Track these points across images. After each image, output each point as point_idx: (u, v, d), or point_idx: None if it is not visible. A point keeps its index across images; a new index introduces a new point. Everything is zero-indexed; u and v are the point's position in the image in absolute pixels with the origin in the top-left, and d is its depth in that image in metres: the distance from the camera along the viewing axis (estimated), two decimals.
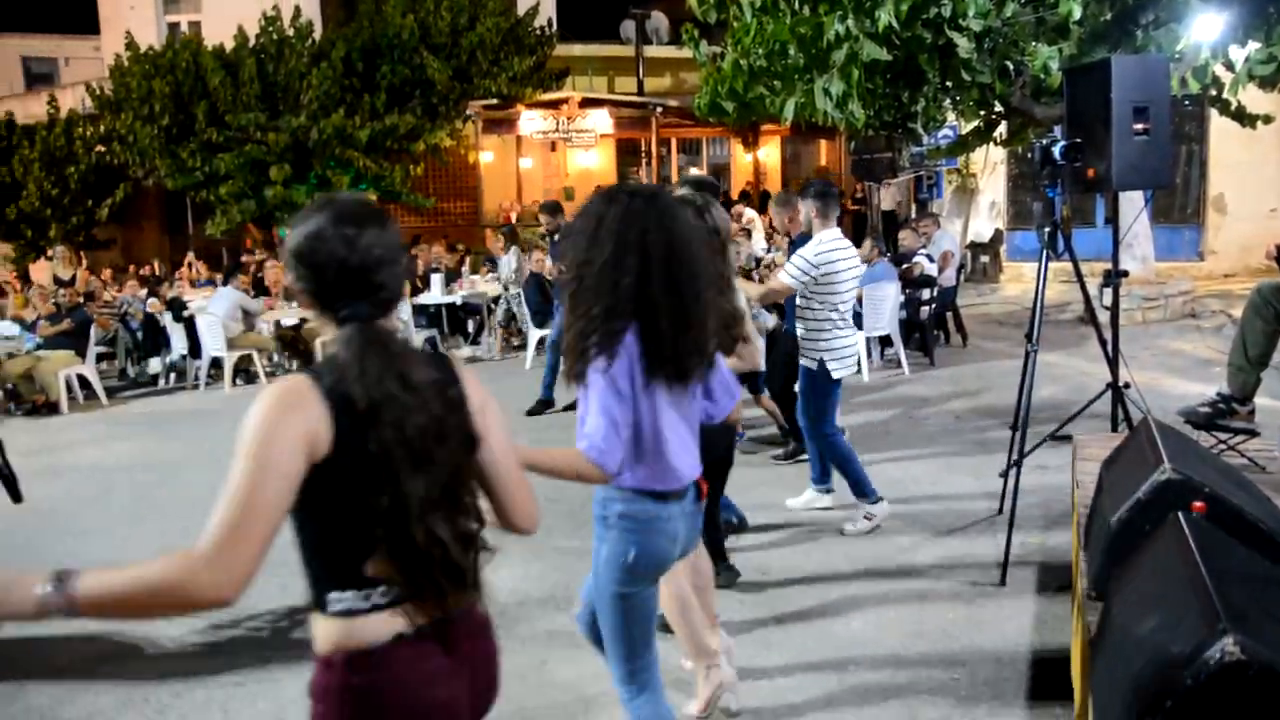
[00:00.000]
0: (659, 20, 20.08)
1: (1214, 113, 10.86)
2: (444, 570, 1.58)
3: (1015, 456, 4.56)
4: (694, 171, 20.36)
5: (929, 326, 9.71)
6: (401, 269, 1.69)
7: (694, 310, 2.28)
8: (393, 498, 1.53)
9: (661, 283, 2.24)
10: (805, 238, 5.19)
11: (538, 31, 17.95)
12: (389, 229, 1.66)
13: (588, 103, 17.40)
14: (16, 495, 4.18)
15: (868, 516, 4.95)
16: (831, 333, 4.94)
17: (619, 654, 2.47)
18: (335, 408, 1.51)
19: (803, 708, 3.30)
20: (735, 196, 18.87)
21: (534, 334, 10.21)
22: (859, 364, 5.14)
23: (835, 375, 4.94)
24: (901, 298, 9.21)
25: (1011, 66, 8.84)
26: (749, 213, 14.43)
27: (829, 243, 4.92)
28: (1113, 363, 4.96)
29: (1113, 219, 5.54)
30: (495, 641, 1.80)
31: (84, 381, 10.09)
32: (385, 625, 1.57)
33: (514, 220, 17.05)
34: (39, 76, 24.98)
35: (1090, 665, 2.38)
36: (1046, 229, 4.63)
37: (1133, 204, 9.26)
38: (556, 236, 7.93)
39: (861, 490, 4.97)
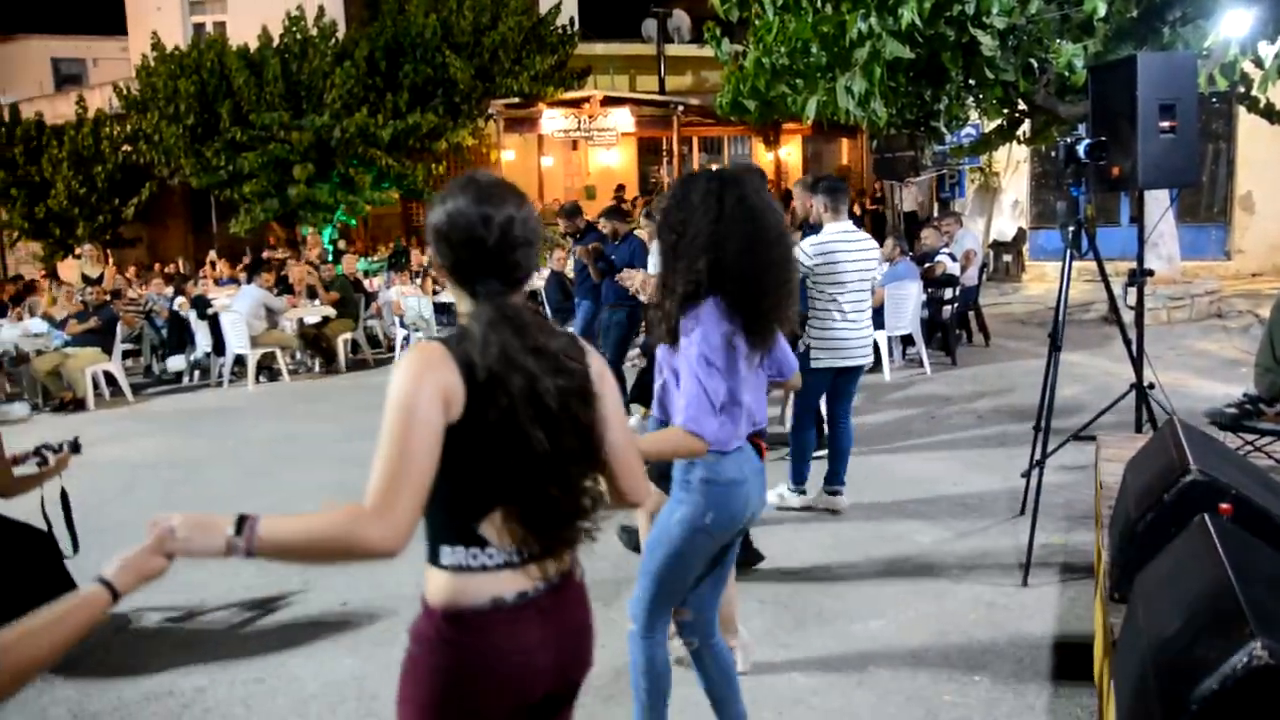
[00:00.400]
0: (681, 19, 20.05)
1: (1242, 110, 10.74)
2: (561, 528, 1.69)
3: (1038, 456, 4.52)
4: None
5: (951, 326, 9.65)
6: (536, 250, 1.76)
7: (779, 279, 2.44)
8: (519, 457, 1.62)
9: (751, 255, 2.39)
10: (814, 228, 5.35)
11: (559, 30, 17.99)
12: (527, 210, 1.73)
13: (609, 101, 17.41)
14: (75, 546, 4.30)
15: (780, 495, 5.20)
16: (828, 323, 5.01)
17: (650, 596, 2.59)
18: (466, 373, 1.61)
19: (821, 709, 3.29)
20: None
21: None
22: (877, 361, 5.15)
23: (817, 365, 5.01)
24: (924, 297, 9.17)
25: (1035, 64, 8.77)
26: None
27: (831, 235, 5.02)
28: (1137, 363, 4.91)
29: (1138, 218, 5.48)
30: (590, 612, 1.83)
31: (110, 378, 10.19)
32: (489, 587, 1.66)
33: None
34: (68, 77, 25.27)
35: (1114, 668, 2.35)
36: (1070, 228, 4.59)
37: (1158, 203, 9.18)
38: (576, 237, 8.06)
39: (798, 477, 5.24)
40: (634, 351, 8.47)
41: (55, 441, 4.20)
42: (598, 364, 1.80)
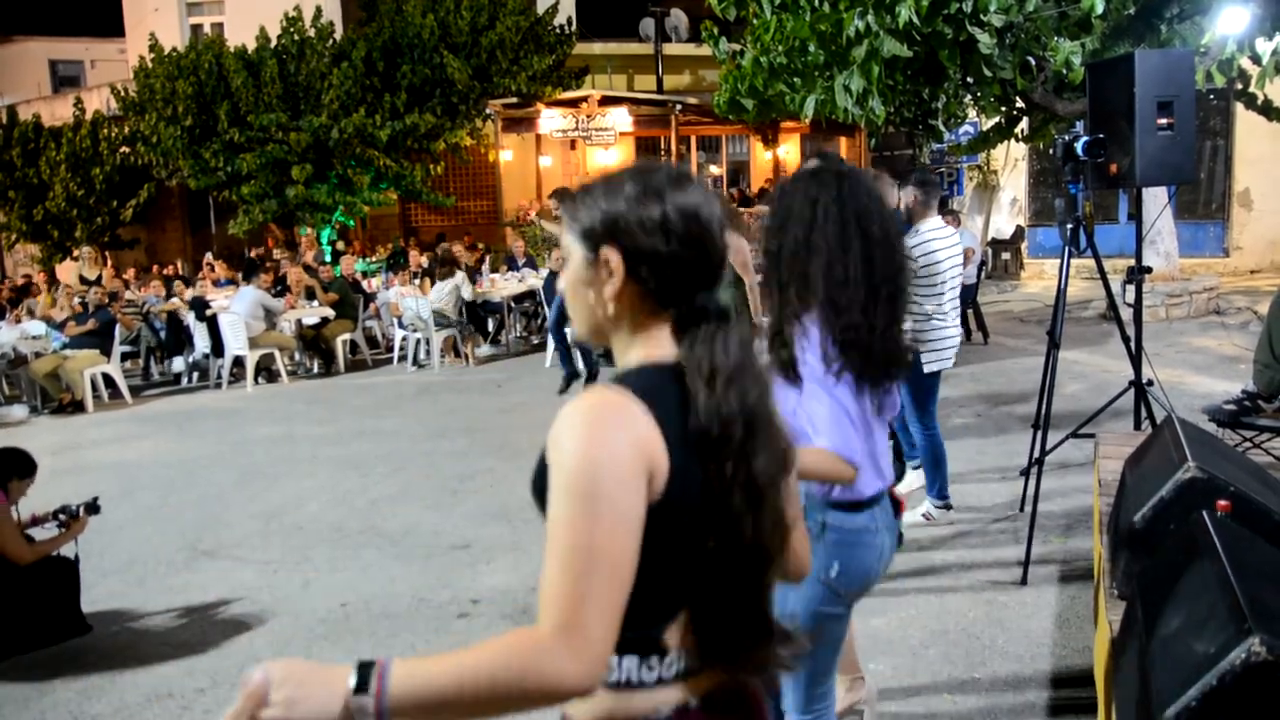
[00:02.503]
0: (678, 18, 20.05)
1: (1240, 107, 10.74)
2: (756, 628, 1.28)
3: (1037, 455, 4.53)
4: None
5: None
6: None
7: (901, 301, 2.12)
8: (722, 543, 1.21)
9: (877, 271, 2.06)
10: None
11: (557, 30, 17.99)
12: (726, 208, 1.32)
13: (607, 101, 17.39)
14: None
15: (927, 515, 4.92)
16: (935, 324, 4.79)
17: (801, 678, 2.21)
18: (670, 436, 1.17)
19: None
20: (754, 194, 18.84)
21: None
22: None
23: (929, 369, 4.79)
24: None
25: (1033, 62, 8.77)
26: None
27: (928, 233, 4.80)
28: (1136, 360, 4.92)
29: (1136, 215, 5.48)
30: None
31: (109, 380, 10.19)
32: (665, 698, 1.25)
33: (533, 217, 17.06)
34: (66, 79, 25.26)
35: (1113, 665, 2.36)
36: (1069, 225, 4.60)
37: (1156, 200, 9.18)
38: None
39: (942, 489, 4.94)
40: None
41: (75, 505, 4.24)
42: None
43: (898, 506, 2.35)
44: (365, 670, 1.08)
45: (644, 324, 1.27)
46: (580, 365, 8.56)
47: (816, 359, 2.05)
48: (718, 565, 1.21)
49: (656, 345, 1.27)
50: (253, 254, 14.99)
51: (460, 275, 10.98)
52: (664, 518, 1.16)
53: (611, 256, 1.25)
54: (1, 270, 21.46)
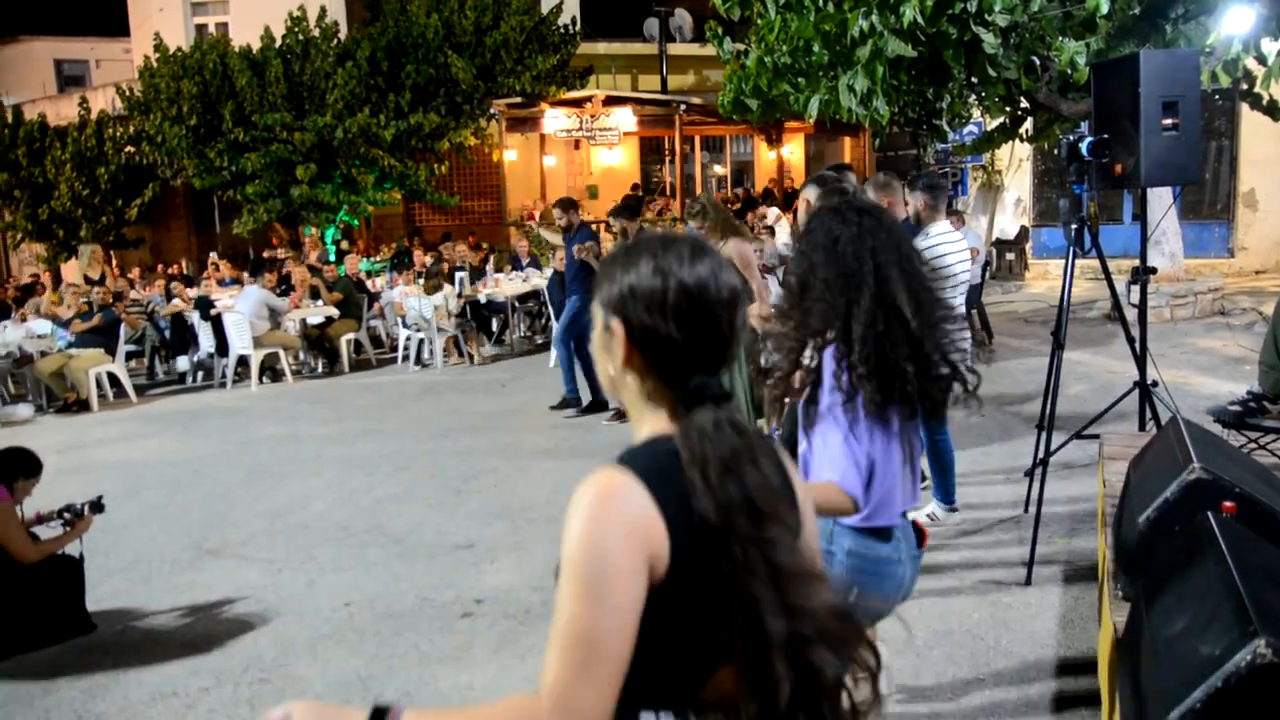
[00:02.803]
0: (683, 18, 20.05)
1: (1245, 107, 10.72)
2: (802, 689, 1.26)
3: (1041, 455, 4.52)
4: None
5: None
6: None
7: (929, 339, 2.12)
8: (744, 615, 1.23)
9: (898, 310, 2.09)
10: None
11: (561, 30, 18.00)
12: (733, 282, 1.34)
13: (611, 101, 17.41)
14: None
15: (932, 516, 4.88)
16: None
17: None
18: (673, 520, 1.21)
19: None
20: (759, 194, 18.83)
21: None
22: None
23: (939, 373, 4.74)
24: None
25: (1038, 61, 8.76)
26: (773, 211, 14.40)
27: (936, 236, 4.76)
28: (1140, 360, 4.91)
29: (1141, 215, 5.47)
30: None
31: (114, 379, 10.21)
32: None
33: (536, 218, 17.08)
34: (71, 79, 25.31)
35: (1118, 666, 2.35)
36: (1073, 225, 4.59)
37: (1161, 200, 9.16)
38: (570, 231, 8.09)
39: (949, 493, 4.90)
40: None
41: (80, 503, 4.26)
42: (795, 473, 1.44)
43: (921, 537, 2.36)
44: (380, 715, 1.18)
45: (653, 396, 1.32)
46: (582, 390, 8.29)
47: (829, 390, 2.09)
48: (750, 629, 1.22)
49: (664, 421, 1.31)
50: (265, 255, 15.01)
51: (447, 288, 10.93)
52: (672, 596, 1.20)
53: (616, 328, 1.31)
54: (7, 269, 21.51)
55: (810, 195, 4.20)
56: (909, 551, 2.27)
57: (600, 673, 1.16)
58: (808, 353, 2.15)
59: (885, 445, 2.14)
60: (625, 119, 17.47)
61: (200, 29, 19.47)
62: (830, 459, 2.08)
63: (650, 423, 1.32)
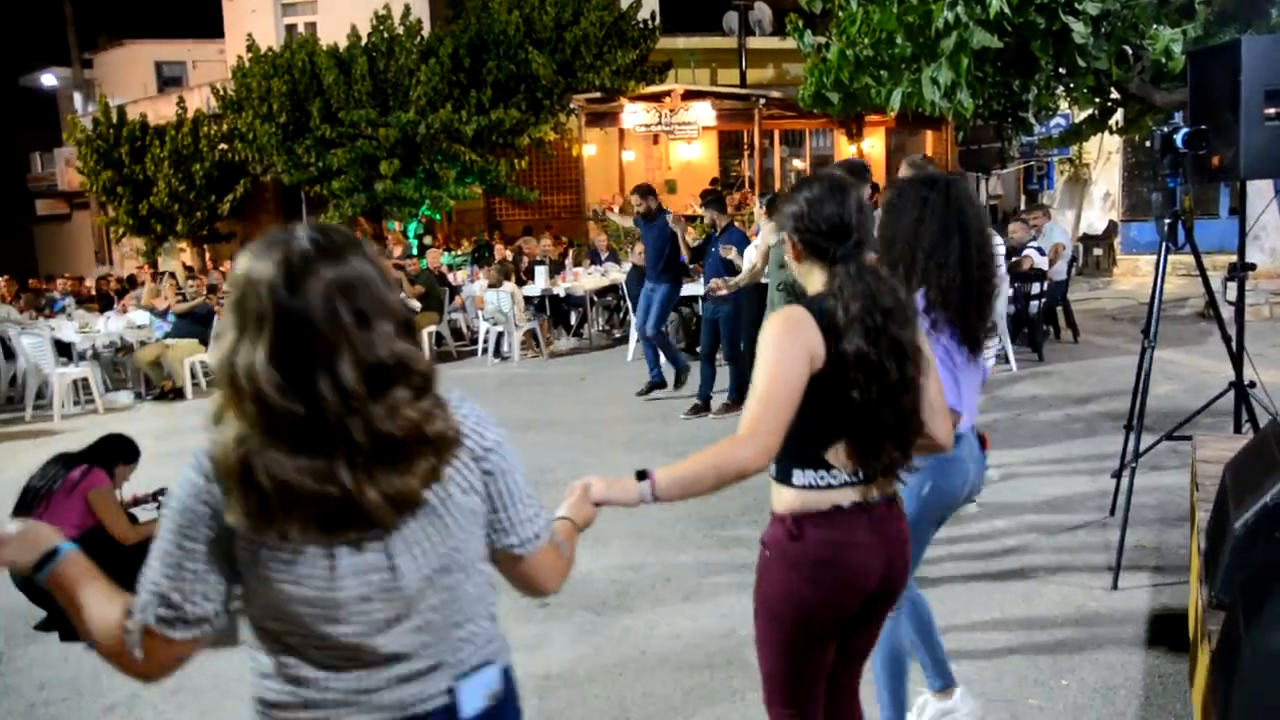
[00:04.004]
0: (762, 11, 19.91)
1: None
2: (892, 454, 2.02)
3: (1129, 457, 4.40)
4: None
5: (1038, 322, 9.42)
6: (871, 223, 2.12)
7: (985, 289, 2.61)
8: (865, 393, 1.94)
9: (972, 259, 2.56)
10: None
11: (641, 25, 18.03)
12: (860, 194, 2.11)
13: (690, 95, 17.39)
14: None
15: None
16: None
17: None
18: (827, 331, 1.95)
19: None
20: None
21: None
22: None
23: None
24: (1010, 292, 8.96)
25: (1130, 51, 8.49)
26: None
27: None
28: (1237, 360, 4.74)
29: (1239, 209, 5.27)
30: (907, 525, 2.17)
31: (207, 369, 10.59)
32: (830, 498, 2.03)
33: (615, 210, 17.15)
34: (170, 79, 26.24)
35: (1212, 679, 2.29)
36: (1166, 220, 4.45)
37: (1261, 194, 8.81)
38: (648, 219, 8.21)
39: None
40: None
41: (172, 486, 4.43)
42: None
43: (983, 443, 2.84)
44: (642, 474, 1.92)
45: (812, 267, 2.11)
46: (666, 372, 8.48)
47: (946, 341, 2.56)
48: (865, 409, 1.96)
49: (821, 281, 2.08)
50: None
51: (508, 285, 11.05)
52: (825, 381, 1.95)
53: (788, 237, 2.14)
54: (110, 262, 22.45)
55: None
56: (972, 453, 2.74)
57: (775, 411, 1.92)
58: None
59: (966, 367, 2.64)
60: (704, 113, 17.43)
61: (290, 29, 20.00)
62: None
63: (814, 285, 2.10)
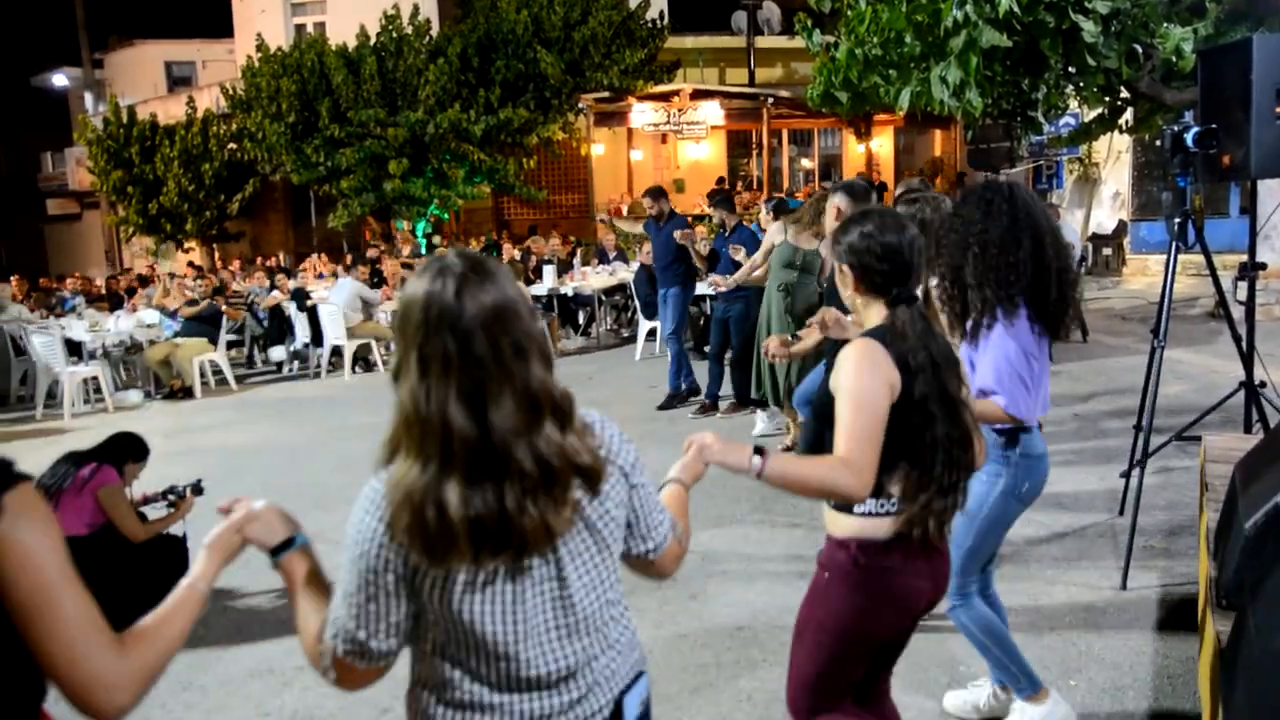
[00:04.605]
0: (770, 11, 19.90)
1: None
2: (948, 488, 2.12)
3: (1139, 456, 4.38)
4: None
5: None
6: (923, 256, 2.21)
7: (1066, 277, 2.75)
8: (928, 430, 2.07)
9: (1045, 256, 2.70)
10: None
11: (649, 24, 18.03)
12: (915, 232, 2.18)
13: (699, 94, 17.38)
14: None
15: None
16: None
17: (968, 568, 2.91)
18: (900, 365, 2.05)
19: (913, 708, 3.24)
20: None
21: (644, 325, 10.29)
22: None
23: None
24: None
25: (1140, 49, 8.45)
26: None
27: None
28: (1247, 360, 4.71)
29: (1250, 209, 5.24)
30: (948, 547, 2.27)
31: (216, 368, 10.62)
32: (889, 526, 2.12)
33: (623, 212, 17.16)
34: (179, 79, 26.33)
35: (1221, 679, 2.28)
36: (1176, 219, 4.43)
37: (1272, 193, 8.76)
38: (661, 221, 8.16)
39: None
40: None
41: (181, 485, 4.44)
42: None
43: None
44: (759, 450, 1.97)
45: (870, 302, 2.18)
46: (684, 384, 8.30)
47: (1021, 335, 2.69)
48: (930, 441, 2.07)
49: (880, 315, 2.16)
50: (367, 254, 15.36)
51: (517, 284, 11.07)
52: (897, 411, 2.04)
53: (847, 270, 2.20)
54: (121, 261, 22.53)
55: (840, 203, 4.35)
56: (1043, 445, 2.90)
57: (872, 446, 2.00)
58: (971, 294, 2.72)
59: (1040, 358, 2.75)
60: (712, 112, 17.42)
61: (299, 29, 20.05)
62: (993, 383, 2.69)
63: (873, 318, 2.17)
